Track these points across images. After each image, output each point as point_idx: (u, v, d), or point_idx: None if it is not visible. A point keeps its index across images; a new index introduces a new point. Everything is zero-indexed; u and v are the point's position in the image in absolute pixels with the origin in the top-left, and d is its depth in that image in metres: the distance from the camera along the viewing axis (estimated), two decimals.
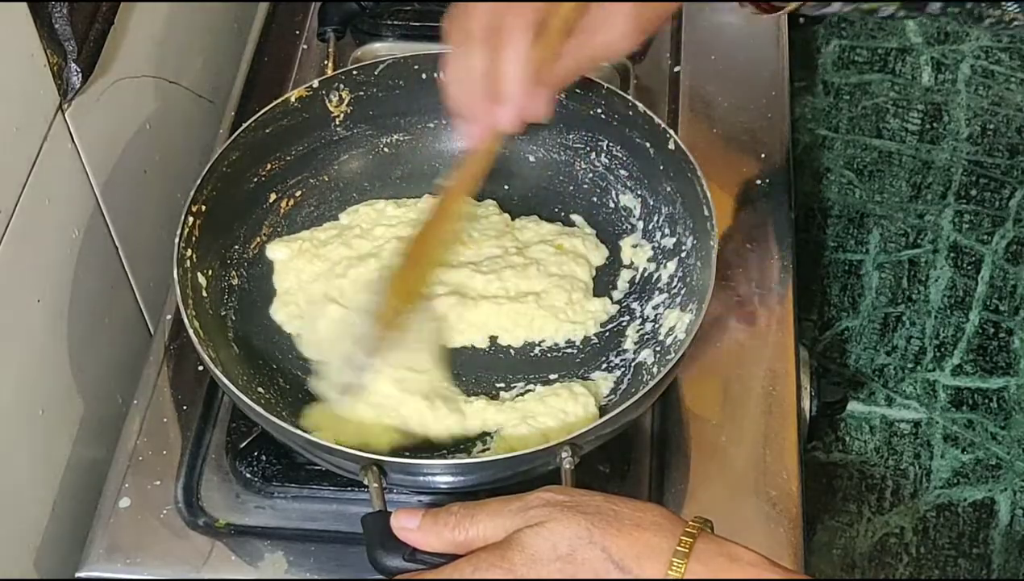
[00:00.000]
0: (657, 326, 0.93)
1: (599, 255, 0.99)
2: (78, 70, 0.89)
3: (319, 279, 0.96)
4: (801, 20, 1.29)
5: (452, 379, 0.91)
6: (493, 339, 0.94)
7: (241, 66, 1.18)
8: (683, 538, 0.67)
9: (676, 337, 0.90)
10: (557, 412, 0.87)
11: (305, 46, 1.19)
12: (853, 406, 1.69)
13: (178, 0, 1.11)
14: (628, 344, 0.93)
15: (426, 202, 1.01)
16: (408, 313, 0.89)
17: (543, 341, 0.94)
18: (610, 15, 0.81)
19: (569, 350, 0.94)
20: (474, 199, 1.02)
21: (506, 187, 1.04)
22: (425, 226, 0.88)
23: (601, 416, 0.85)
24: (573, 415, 0.87)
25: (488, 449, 0.87)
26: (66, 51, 0.88)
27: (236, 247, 0.97)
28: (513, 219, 1.01)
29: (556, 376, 0.92)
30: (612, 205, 1.01)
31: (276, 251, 0.98)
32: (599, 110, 0.98)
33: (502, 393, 0.91)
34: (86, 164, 0.95)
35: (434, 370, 0.90)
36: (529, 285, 0.95)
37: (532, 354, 0.93)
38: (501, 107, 0.80)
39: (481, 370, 0.93)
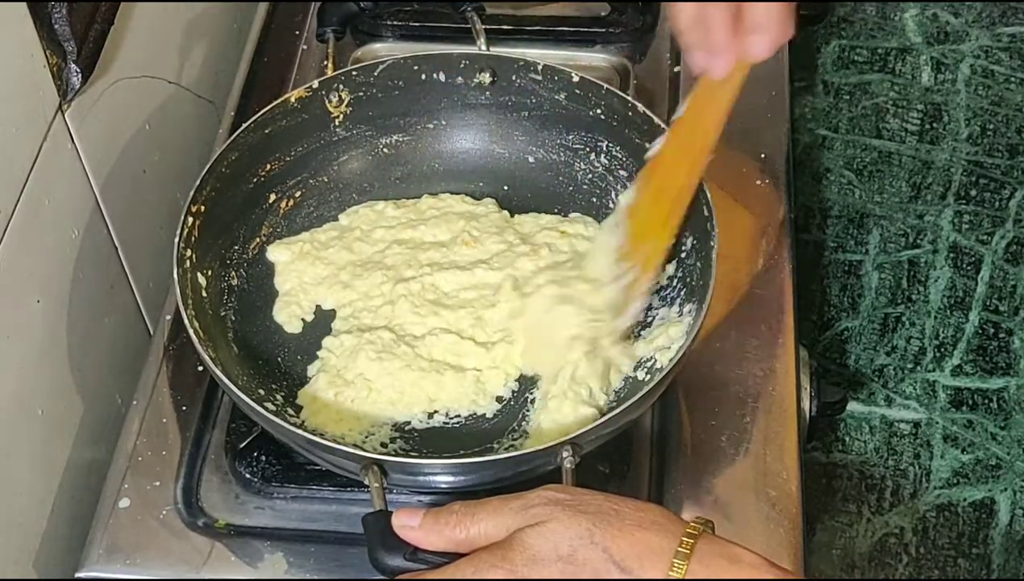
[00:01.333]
0: (657, 326, 0.93)
1: None
2: (78, 70, 0.89)
3: (322, 283, 0.96)
4: (801, 20, 1.29)
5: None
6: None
7: (241, 66, 1.18)
8: (684, 539, 0.67)
9: (676, 337, 0.90)
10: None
11: (305, 46, 1.19)
12: (853, 406, 1.69)
13: (178, 0, 1.11)
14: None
15: (425, 203, 1.01)
16: (658, 251, 0.89)
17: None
18: None
19: None
20: (472, 198, 1.02)
21: (505, 188, 1.04)
22: (661, 159, 0.88)
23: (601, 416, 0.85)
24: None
25: (512, 445, 0.88)
26: (66, 51, 0.88)
27: (236, 247, 0.97)
28: (512, 216, 1.01)
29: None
30: (612, 206, 1.01)
31: (277, 253, 0.98)
32: (599, 111, 0.98)
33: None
34: (86, 164, 0.95)
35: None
36: (546, 263, 0.95)
37: None
38: (754, 36, 0.77)
39: None
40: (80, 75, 0.90)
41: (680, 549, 0.66)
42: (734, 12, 0.77)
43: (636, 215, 0.90)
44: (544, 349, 0.91)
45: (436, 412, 0.90)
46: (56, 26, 0.86)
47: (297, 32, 1.21)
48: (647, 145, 0.95)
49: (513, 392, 0.91)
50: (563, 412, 0.87)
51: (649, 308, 0.95)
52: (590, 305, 0.90)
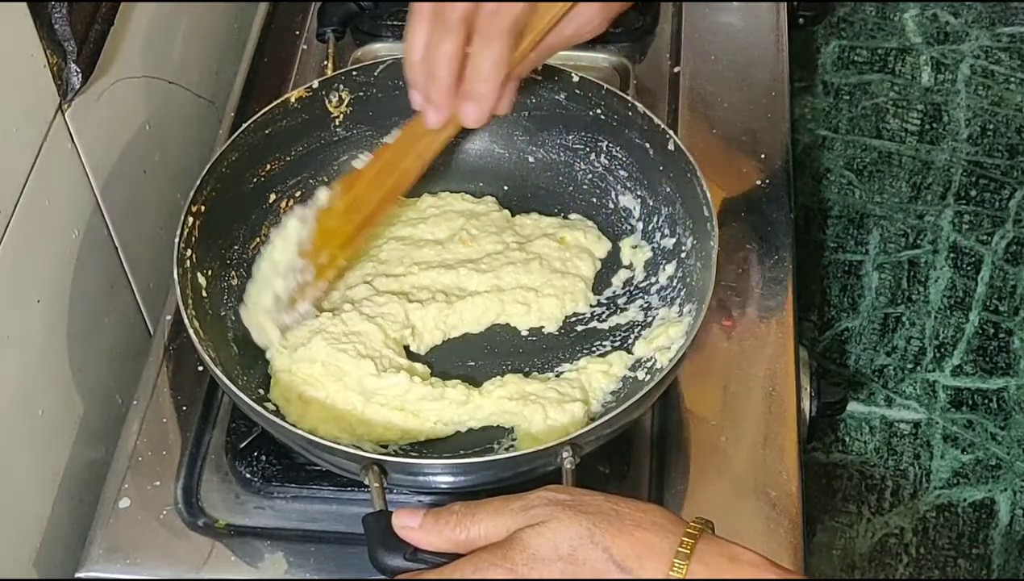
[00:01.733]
0: (657, 326, 0.93)
1: (602, 248, 0.99)
2: (78, 70, 0.89)
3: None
4: (801, 20, 1.29)
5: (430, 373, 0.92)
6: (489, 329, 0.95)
7: (241, 66, 1.18)
8: (684, 539, 0.67)
9: (676, 337, 0.90)
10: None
11: (305, 47, 1.19)
12: (853, 406, 1.69)
13: (178, 0, 1.11)
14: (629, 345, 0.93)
15: (425, 201, 1.01)
16: (336, 263, 0.90)
17: (541, 327, 0.95)
18: (582, 9, 0.81)
19: (564, 340, 0.94)
20: (472, 196, 1.02)
21: (505, 188, 1.04)
22: (359, 175, 0.90)
23: (601, 417, 0.85)
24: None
25: (512, 446, 0.87)
26: (66, 51, 0.88)
27: (236, 247, 0.97)
28: (513, 215, 1.01)
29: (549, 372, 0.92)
30: (612, 206, 1.01)
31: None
32: (599, 111, 0.98)
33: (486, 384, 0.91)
34: (86, 164, 0.95)
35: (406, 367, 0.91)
36: (530, 280, 0.95)
37: (522, 345, 0.94)
38: (468, 103, 0.80)
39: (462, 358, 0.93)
40: (80, 75, 0.90)
41: (680, 549, 0.66)
42: (456, 73, 0.78)
43: (326, 221, 0.90)
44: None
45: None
46: (56, 26, 0.86)
47: (297, 32, 1.21)
48: (647, 145, 0.96)
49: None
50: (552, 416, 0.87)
51: (649, 308, 0.95)
52: None
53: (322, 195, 0.92)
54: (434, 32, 0.79)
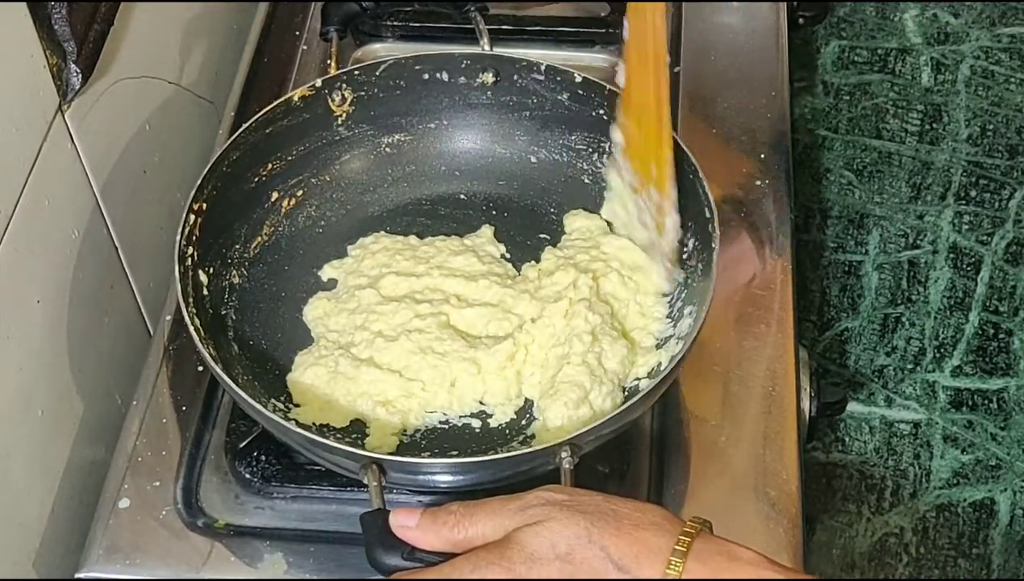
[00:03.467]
0: (657, 327, 0.93)
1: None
2: (78, 71, 0.89)
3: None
4: (801, 20, 1.29)
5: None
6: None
7: (241, 67, 1.18)
8: (681, 537, 0.67)
9: (676, 338, 0.90)
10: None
11: (305, 47, 1.19)
12: (853, 407, 1.69)
13: (178, 0, 1.11)
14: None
15: (446, 242, 1.00)
16: (663, 169, 0.90)
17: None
18: None
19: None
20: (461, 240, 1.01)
21: (507, 188, 1.04)
22: (627, 90, 0.91)
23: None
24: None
25: (533, 436, 0.88)
26: (66, 52, 0.88)
27: (237, 246, 0.97)
28: (518, 266, 0.99)
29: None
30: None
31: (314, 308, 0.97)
32: (601, 111, 0.98)
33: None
34: (86, 165, 0.95)
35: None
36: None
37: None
38: None
39: None
40: (80, 75, 0.90)
41: (677, 548, 0.66)
42: None
43: (631, 146, 0.92)
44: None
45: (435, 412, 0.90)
46: (56, 26, 0.86)
47: (297, 32, 1.21)
48: None
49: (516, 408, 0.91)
50: (565, 415, 0.87)
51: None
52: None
53: (615, 136, 0.94)
54: None
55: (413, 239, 1.00)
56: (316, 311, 0.96)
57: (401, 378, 0.89)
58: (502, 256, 0.99)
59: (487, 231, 1.00)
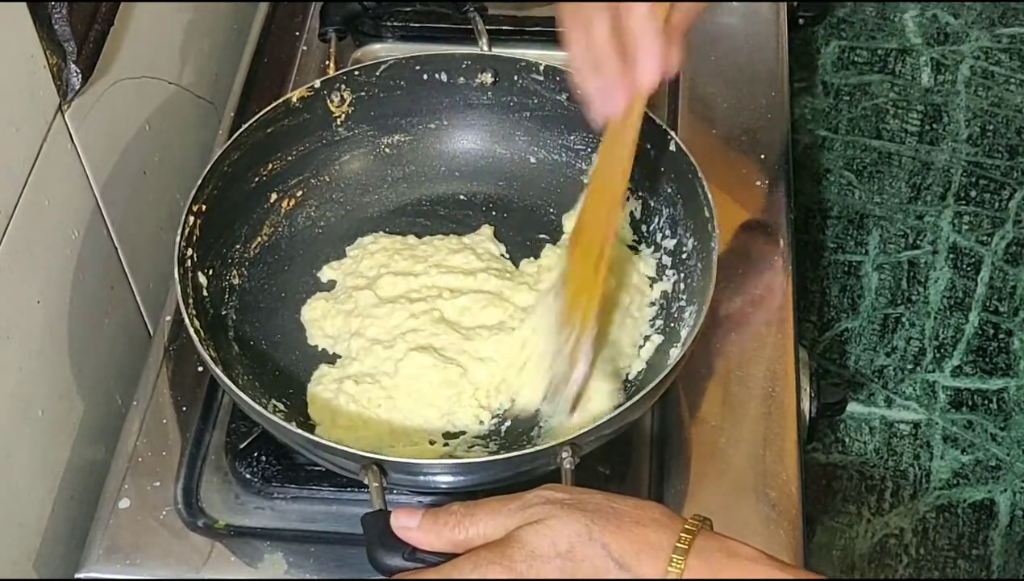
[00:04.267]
0: (657, 327, 0.93)
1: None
2: (78, 71, 0.89)
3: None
4: (801, 20, 1.29)
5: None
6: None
7: (241, 67, 1.18)
8: (682, 535, 0.67)
9: (676, 339, 0.90)
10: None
11: (305, 47, 1.19)
12: (853, 407, 1.69)
13: (178, 0, 1.11)
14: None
15: (445, 241, 1.00)
16: (592, 312, 0.88)
17: None
18: None
19: None
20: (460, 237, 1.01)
21: (507, 188, 1.04)
22: (583, 219, 0.89)
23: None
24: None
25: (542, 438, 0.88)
26: (66, 52, 0.88)
27: (237, 246, 0.97)
28: (517, 261, 0.99)
29: None
30: None
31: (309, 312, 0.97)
32: None
33: None
34: (86, 165, 0.95)
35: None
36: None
37: None
38: (639, 64, 0.79)
39: None
40: (80, 75, 0.90)
41: (678, 545, 0.66)
42: (619, 48, 0.79)
43: (570, 279, 0.88)
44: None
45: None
46: (56, 26, 0.86)
47: (297, 32, 1.21)
48: (648, 146, 0.95)
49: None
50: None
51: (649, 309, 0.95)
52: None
53: (558, 264, 0.93)
54: (583, 25, 0.80)
55: (412, 239, 1.00)
56: (313, 312, 0.96)
57: (415, 405, 0.89)
58: (501, 255, 0.99)
59: (487, 230, 1.00)
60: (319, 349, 0.94)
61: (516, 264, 0.98)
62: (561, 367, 0.87)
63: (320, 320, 0.95)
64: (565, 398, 0.87)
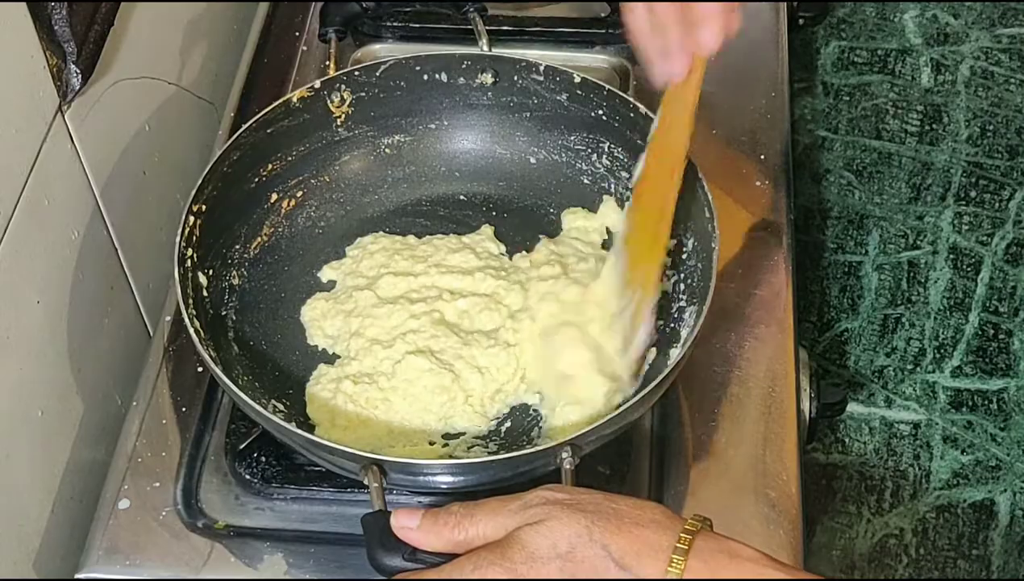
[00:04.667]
0: (657, 327, 0.93)
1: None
2: (78, 71, 0.89)
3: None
4: (801, 21, 1.29)
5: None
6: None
7: (240, 67, 1.18)
8: (682, 535, 0.67)
9: (676, 339, 0.90)
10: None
11: (305, 47, 1.19)
12: (852, 407, 1.69)
13: (178, 0, 1.11)
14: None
15: (444, 240, 1.00)
16: (655, 273, 0.89)
17: None
18: None
19: None
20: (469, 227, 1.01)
21: (507, 189, 1.04)
22: (644, 182, 0.89)
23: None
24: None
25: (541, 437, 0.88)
26: (65, 52, 0.88)
27: (237, 247, 0.97)
28: (511, 256, 0.99)
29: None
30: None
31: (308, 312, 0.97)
32: (600, 112, 0.98)
33: None
34: (86, 165, 0.95)
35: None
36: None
37: None
38: (702, 29, 0.80)
39: None
40: (80, 76, 0.90)
41: (678, 545, 0.66)
42: (682, 12, 0.80)
43: (632, 240, 0.90)
44: (548, 372, 0.91)
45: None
46: (56, 27, 0.86)
47: (297, 33, 1.21)
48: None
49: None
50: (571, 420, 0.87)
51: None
52: (598, 340, 0.90)
53: (618, 228, 0.94)
54: None
55: (412, 239, 1.00)
56: (313, 312, 0.96)
57: (411, 407, 0.89)
58: (500, 254, 0.99)
59: (487, 230, 1.00)
60: (319, 349, 0.94)
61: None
62: (624, 327, 0.88)
63: (320, 320, 0.95)
64: (629, 358, 0.88)
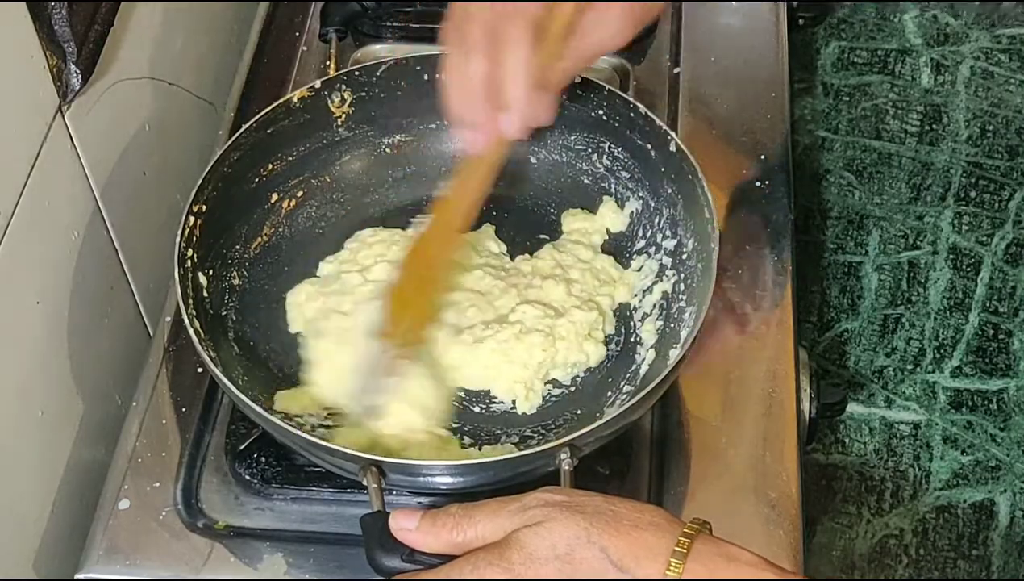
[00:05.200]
0: (657, 328, 0.93)
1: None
2: (77, 72, 0.89)
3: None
4: (801, 21, 1.29)
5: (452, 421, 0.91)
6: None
7: (240, 68, 1.18)
8: (681, 538, 0.67)
9: (676, 339, 0.90)
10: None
11: (305, 47, 1.19)
12: (852, 408, 1.69)
13: (178, 0, 1.11)
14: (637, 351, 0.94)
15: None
16: (419, 330, 0.88)
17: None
18: (604, 14, 0.81)
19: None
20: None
21: (507, 188, 1.03)
22: (423, 238, 0.88)
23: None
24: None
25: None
26: (65, 52, 0.88)
27: (237, 247, 0.97)
28: (513, 257, 0.99)
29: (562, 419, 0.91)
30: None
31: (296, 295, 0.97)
32: (600, 112, 0.98)
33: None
34: (86, 166, 0.95)
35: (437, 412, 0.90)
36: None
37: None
38: (506, 114, 0.80)
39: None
40: (80, 76, 0.90)
41: (677, 548, 0.66)
42: (492, 90, 0.80)
43: (397, 295, 0.88)
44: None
45: None
46: (56, 27, 0.86)
47: (297, 33, 1.21)
48: (648, 146, 0.96)
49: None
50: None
51: (649, 310, 0.95)
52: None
53: (383, 273, 0.93)
54: (461, 55, 0.81)
55: (411, 231, 0.99)
56: (297, 297, 0.95)
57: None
58: (500, 254, 0.99)
59: (488, 229, 1.00)
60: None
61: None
62: (373, 375, 0.86)
63: (302, 304, 0.95)
64: (369, 406, 0.87)
